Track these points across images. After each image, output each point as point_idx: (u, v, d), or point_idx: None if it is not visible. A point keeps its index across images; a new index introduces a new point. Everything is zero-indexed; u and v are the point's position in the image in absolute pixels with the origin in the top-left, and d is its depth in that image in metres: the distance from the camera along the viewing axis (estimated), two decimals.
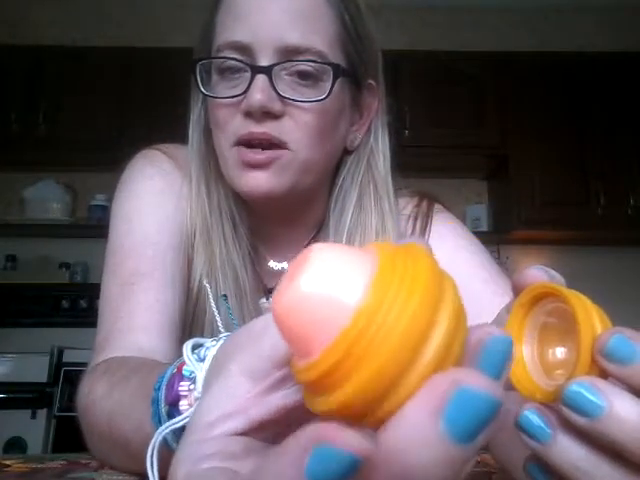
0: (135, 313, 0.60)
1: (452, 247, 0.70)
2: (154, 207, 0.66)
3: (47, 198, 2.79)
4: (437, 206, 0.74)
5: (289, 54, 0.59)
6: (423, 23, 3.10)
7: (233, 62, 0.60)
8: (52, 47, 2.79)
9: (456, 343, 0.16)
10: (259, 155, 0.59)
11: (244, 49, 0.59)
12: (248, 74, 0.59)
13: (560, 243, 2.92)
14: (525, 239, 2.89)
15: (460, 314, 0.16)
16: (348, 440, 0.14)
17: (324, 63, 0.60)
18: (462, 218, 2.71)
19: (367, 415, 0.16)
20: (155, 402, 0.34)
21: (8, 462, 0.52)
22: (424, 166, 2.71)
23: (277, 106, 0.59)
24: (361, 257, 0.17)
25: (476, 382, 0.15)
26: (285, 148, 0.60)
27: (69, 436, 0.59)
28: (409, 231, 0.71)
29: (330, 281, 0.16)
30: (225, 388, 0.21)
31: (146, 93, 2.65)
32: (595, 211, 2.72)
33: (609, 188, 2.73)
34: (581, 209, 2.71)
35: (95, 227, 2.63)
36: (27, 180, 2.82)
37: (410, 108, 2.73)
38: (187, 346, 0.32)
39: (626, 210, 2.73)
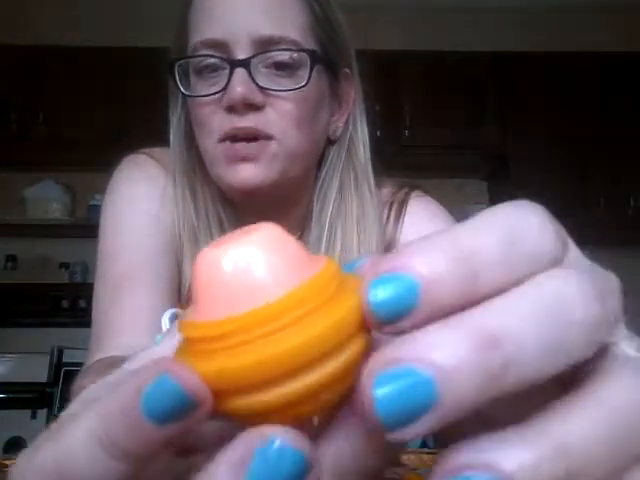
0: (124, 316, 0.61)
1: (425, 217, 0.70)
2: (141, 211, 0.67)
3: (47, 198, 2.79)
4: (416, 192, 0.74)
5: (264, 45, 0.59)
6: (423, 23, 3.10)
7: (211, 60, 0.60)
8: (52, 47, 2.79)
9: (336, 389, 0.15)
10: (248, 149, 0.59)
11: (220, 45, 0.60)
12: (226, 71, 0.59)
13: None
14: None
15: (350, 368, 0.15)
16: (187, 378, 0.14)
17: (301, 50, 0.60)
18: (462, 218, 2.70)
19: (229, 400, 0.15)
20: None
21: (8, 462, 0.52)
22: (424, 166, 2.71)
23: (258, 97, 0.59)
24: (308, 258, 0.17)
25: (283, 436, 0.14)
26: (271, 139, 0.60)
27: None
28: (385, 217, 0.71)
29: (269, 258, 0.16)
30: (149, 353, 0.20)
31: (146, 93, 2.65)
32: (595, 212, 2.72)
33: (609, 188, 2.73)
34: (581, 209, 2.71)
35: (95, 227, 2.59)
36: (27, 180, 2.81)
37: (410, 108, 2.73)
38: (166, 315, 0.32)
39: (626, 211, 2.73)
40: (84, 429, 0.15)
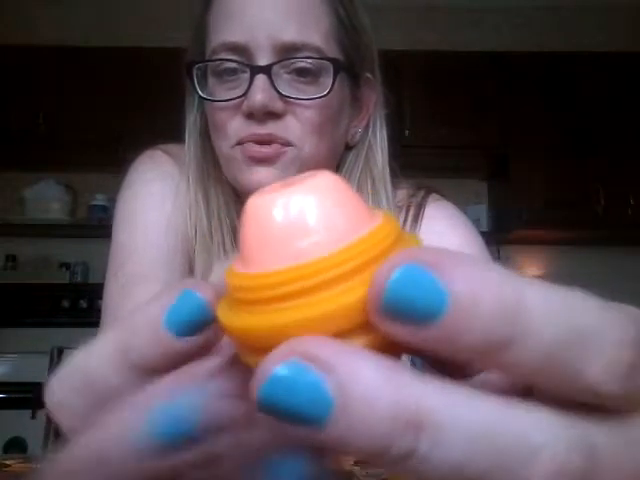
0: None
1: (444, 225, 0.68)
2: (155, 210, 0.67)
3: (47, 198, 2.78)
4: (434, 195, 0.72)
5: (286, 52, 0.58)
6: (423, 23, 3.10)
7: (231, 64, 0.59)
8: (52, 47, 2.79)
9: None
10: (265, 149, 0.58)
11: (241, 50, 0.59)
12: (246, 75, 0.58)
13: (560, 243, 2.91)
14: (525, 239, 2.88)
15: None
16: (206, 291, 0.17)
17: (323, 59, 0.59)
18: None
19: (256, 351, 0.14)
20: None
21: (8, 462, 0.52)
22: (424, 166, 2.71)
23: (279, 105, 0.58)
24: (367, 210, 0.16)
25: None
26: (289, 145, 0.60)
27: None
28: (401, 220, 0.69)
29: (330, 209, 0.15)
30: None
31: (146, 93, 2.65)
32: (595, 211, 2.72)
33: (609, 188, 2.73)
34: (581, 209, 2.71)
35: (95, 227, 2.63)
36: (27, 180, 2.81)
37: (410, 108, 2.73)
38: None
39: (626, 210, 2.73)
40: (111, 341, 0.17)
